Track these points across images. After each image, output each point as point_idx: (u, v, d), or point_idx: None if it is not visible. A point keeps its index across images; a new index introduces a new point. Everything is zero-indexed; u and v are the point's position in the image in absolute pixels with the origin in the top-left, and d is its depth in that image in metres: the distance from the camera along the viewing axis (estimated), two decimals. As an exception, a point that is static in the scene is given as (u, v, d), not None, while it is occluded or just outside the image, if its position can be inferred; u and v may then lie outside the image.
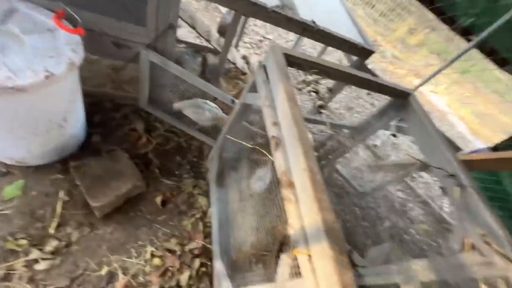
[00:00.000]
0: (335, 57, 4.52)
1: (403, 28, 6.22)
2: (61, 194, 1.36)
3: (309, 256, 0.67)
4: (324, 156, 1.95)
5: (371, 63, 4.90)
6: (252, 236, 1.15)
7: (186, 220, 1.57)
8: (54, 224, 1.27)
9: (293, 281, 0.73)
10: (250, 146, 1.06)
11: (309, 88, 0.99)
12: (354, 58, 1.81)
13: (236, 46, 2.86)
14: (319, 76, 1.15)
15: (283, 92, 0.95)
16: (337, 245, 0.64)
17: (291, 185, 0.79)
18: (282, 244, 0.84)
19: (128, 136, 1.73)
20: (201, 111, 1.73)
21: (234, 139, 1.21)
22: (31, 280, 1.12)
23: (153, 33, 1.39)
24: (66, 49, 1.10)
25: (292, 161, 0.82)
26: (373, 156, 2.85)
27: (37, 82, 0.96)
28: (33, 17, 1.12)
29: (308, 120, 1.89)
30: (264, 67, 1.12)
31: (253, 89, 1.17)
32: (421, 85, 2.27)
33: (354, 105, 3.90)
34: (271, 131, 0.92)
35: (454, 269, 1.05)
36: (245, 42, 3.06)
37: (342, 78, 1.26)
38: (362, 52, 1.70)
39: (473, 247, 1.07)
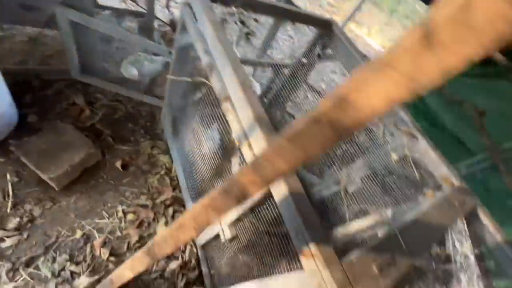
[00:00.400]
0: None
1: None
2: (9, 176, 1.31)
3: (249, 144, 0.81)
4: (274, 101, 2.09)
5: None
6: (212, 168, 1.27)
7: (152, 178, 1.63)
8: (9, 204, 1.24)
9: (240, 167, 0.88)
10: (190, 80, 1.12)
11: (234, 18, 1.05)
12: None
13: (168, 7, 2.72)
14: (243, 9, 1.22)
15: (209, 23, 1.01)
16: (267, 129, 0.78)
17: (227, 98, 0.90)
18: (232, 152, 0.97)
19: (68, 111, 1.65)
20: (140, 64, 1.70)
21: (176, 77, 1.25)
22: (1, 256, 1.12)
23: (63, -13, 1.28)
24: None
25: (226, 78, 0.92)
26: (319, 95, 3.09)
27: None
28: None
29: (245, 63, 1.95)
30: (189, 5, 1.15)
31: (184, 29, 1.21)
32: (346, 21, 2.46)
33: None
34: (204, 59, 1.00)
35: (379, 158, 1.32)
36: (176, 2, 2.91)
37: (265, 10, 1.34)
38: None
39: (391, 134, 1.33)
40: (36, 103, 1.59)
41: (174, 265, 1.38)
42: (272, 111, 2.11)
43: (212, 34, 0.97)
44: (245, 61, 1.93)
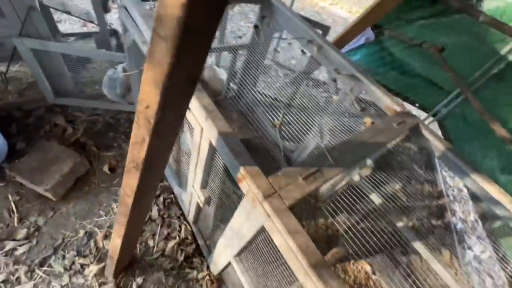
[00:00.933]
0: None
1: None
2: (10, 196, 1.47)
3: (189, 109, 0.93)
4: (242, 84, 2.20)
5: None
6: (177, 151, 1.40)
7: (139, 174, 1.77)
8: (15, 219, 1.40)
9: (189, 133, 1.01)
10: (140, 70, 1.25)
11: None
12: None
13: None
14: None
15: (140, 16, 1.14)
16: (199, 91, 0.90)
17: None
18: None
19: (51, 132, 1.81)
20: (112, 82, 1.83)
21: (128, 73, 1.39)
22: (16, 262, 1.28)
23: (17, 20, 1.42)
24: None
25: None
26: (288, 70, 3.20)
27: None
28: None
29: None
30: (124, 7, 1.28)
31: (125, 29, 1.33)
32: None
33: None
34: (144, 49, 1.13)
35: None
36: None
37: None
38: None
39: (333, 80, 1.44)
40: (22, 132, 1.75)
41: (172, 243, 1.52)
42: (242, 94, 2.23)
43: (143, 24, 1.09)
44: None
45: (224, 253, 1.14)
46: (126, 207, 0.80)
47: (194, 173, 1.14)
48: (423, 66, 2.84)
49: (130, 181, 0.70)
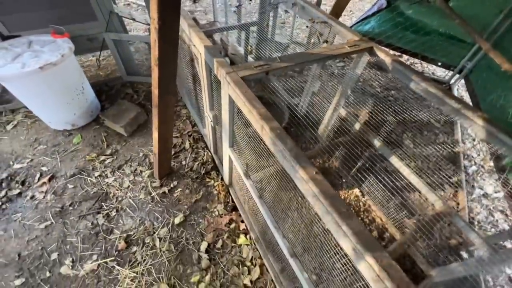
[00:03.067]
0: None
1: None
2: (102, 133, 2.32)
3: (194, 45, 1.50)
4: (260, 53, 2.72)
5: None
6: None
7: (178, 122, 2.46)
8: (105, 145, 2.23)
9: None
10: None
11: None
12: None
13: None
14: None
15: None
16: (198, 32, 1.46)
17: (193, 46, 1.63)
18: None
19: (124, 98, 2.66)
20: None
21: None
22: (106, 166, 2.08)
23: (104, 22, 2.28)
24: (65, 45, 2.02)
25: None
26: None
27: (58, 59, 1.88)
28: (42, 39, 2.06)
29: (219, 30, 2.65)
30: None
31: None
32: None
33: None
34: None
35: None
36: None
37: None
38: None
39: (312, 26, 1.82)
40: (107, 98, 2.65)
41: (197, 163, 2.13)
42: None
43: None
44: (219, 29, 2.63)
45: (224, 152, 1.66)
46: (155, 97, 1.41)
47: (204, 100, 1.69)
48: (439, 21, 2.84)
49: (154, 75, 1.30)
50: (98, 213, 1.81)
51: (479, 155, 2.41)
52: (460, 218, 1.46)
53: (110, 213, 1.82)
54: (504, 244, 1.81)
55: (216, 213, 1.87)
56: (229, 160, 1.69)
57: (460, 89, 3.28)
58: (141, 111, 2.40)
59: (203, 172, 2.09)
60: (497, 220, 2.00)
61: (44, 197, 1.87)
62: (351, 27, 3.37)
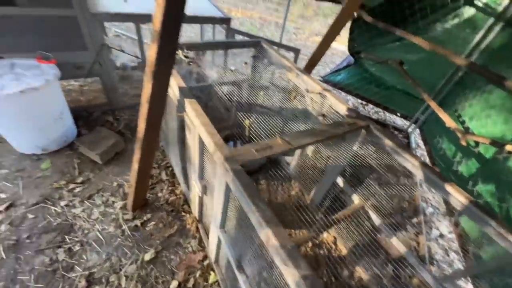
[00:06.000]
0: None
1: (299, 5, 7.66)
2: (75, 159, 2.23)
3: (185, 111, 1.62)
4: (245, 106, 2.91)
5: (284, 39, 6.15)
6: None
7: (157, 152, 2.47)
8: (76, 172, 2.14)
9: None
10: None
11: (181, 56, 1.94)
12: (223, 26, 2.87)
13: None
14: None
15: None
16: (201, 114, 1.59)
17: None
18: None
19: (104, 125, 2.64)
20: None
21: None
22: (75, 195, 1.97)
23: (94, 51, 2.36)
24: (50, 71, 2.03)
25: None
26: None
27: (42, 84, 1.88)
28: (26, 63, 2.06)
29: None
30: None
31: None
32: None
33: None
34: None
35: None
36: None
37: (207, 47, 2.21)
38: (223, 21, 2.76)
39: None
40: (85, 124, 2.60)
41: (174, 196, 2.10)
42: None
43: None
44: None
45: (212, 230, 1.49)
46: (141, 131, 1.45)
47: (193, 168, 1.62)
48: (397, 79, 3.33)
49: (143, 111, 1.37)
50: (59, 247, 1.68)
51: (434, 198, 2.68)
52: (417, 260, 1.59)
53: (73, 247, 1.69)
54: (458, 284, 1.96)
55: (190, 249, 1.82)
56: (218, 240, 1.51)
57: (416, 137, 3.72)
58: (120, 139, 2.39)
59: (179, 206, 2.06)
60: (452, 260, 2.18)
61: (-3, 227, 1.70)
62: (323, 77, 3.80)
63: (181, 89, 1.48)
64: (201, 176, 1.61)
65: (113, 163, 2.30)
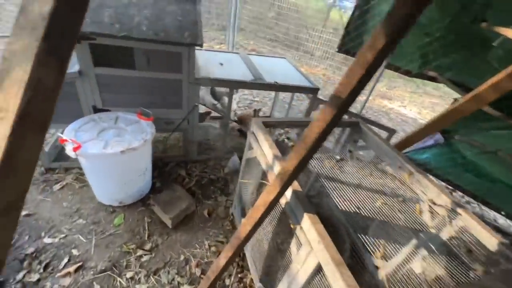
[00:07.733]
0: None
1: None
2: (146, 218, 2.13)
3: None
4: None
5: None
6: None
7: (226, 222, 2.26)
8: (146, 235, 2.01)
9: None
10: (253, 182, 1.87)
11: (282, 137, 1.83)
12: (309, 95, 2.78)
13: (234, 110, 3.96)
14: (287, 128, 2.03)
15: (266, 143, 1.76)
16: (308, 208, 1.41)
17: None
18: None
19: (177, 179, 2.58)
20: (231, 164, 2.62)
21: (245, 181, 1.97)
22: (141, 265, 1.80)
23: (186, 111, 2.40)
24: (147, 129, 2.07)
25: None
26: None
27: (140, 145, 1.88)
28: (128, 117, 2.14)
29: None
30: (253, 133, 1.98)
31: (250, 147, 1.98)
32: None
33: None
34: (264, 165, 1.72)
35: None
36: (239, 106, 4.21)
37: (300, 125, 2.08)
38: (312, 90, 2.67)
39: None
40: (159, 175, 2.57)
41: (242, 284, 1.81)
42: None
43: (269, 152, 1.69)
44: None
45: None
46: (245, 231, 1.25)
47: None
48: (505, 173, 2.78)
49: (256, 214, 1.17)
50: (118, 337, 1.45)
51: None
52: None
53: None
54: None
55: None
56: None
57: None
58: (192, 201, 2.26)
59: None
60: None
61: (63, 295, 1.57)
62: (406, 153, 3.41)
63: (295, 193, 1.27)
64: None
65: (182, 228, 2.14)
